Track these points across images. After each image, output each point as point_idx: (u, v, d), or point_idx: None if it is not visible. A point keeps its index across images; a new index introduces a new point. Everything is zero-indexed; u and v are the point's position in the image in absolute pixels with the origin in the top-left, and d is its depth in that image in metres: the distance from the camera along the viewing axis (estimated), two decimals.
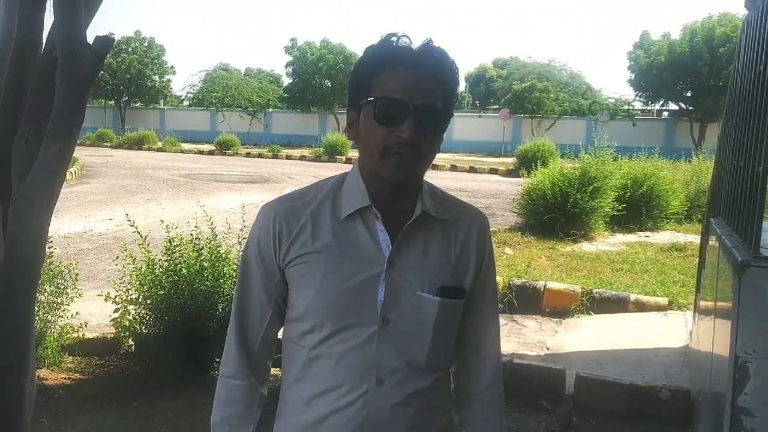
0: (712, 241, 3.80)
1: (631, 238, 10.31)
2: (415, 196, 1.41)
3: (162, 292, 4.49)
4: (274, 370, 1.58)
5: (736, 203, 2.97)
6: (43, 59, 2.22)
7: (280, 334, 1.53)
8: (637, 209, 10.88)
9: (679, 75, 29.54)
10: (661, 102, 33.60)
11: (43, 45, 2.29)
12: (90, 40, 2.07)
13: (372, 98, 1.32)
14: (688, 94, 30.71)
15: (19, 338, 2.09)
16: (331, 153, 27.77)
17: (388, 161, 1.32)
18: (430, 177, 1.39)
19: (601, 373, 4.62)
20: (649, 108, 36.84)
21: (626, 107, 34.39)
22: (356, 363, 1.37)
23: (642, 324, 6.02)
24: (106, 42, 2.05)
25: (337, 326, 1.37)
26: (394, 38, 1.34)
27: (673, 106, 33.96)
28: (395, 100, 1.30)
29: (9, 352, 2.08)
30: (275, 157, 29.44)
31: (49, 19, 2.19)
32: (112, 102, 42.66)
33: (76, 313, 4.83)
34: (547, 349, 5.62)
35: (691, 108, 30.74)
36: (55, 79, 2.04)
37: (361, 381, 1.37)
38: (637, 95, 33.12)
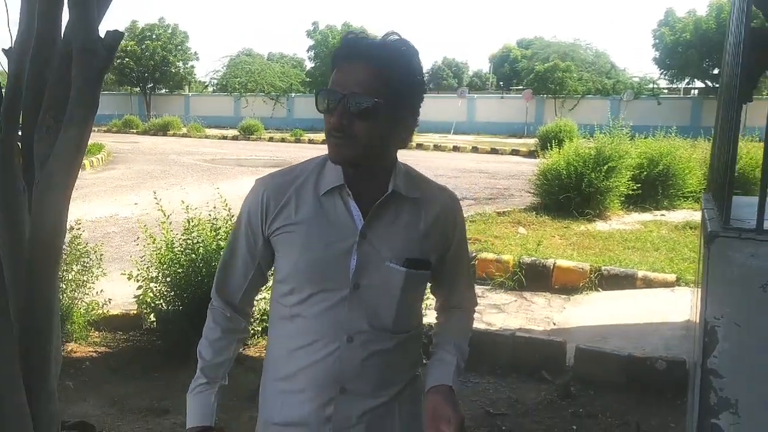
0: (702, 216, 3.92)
1: (646, 216, 10.37)
2: (387, 177, 1.58)
3: (180, 270, 4.70)
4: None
5: (718, 178, 3.09)
6: (61, 52, 2.42)
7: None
8: (653, 188, 10.93)
9: (705, 52, 29.18)
10: (687, 80, 33.17)
11: (61, 38, 2.49)
12: (110, 29, 2.27)
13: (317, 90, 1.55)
14: (715, 72, 30.27)
15: (45, 306, 2.32)
16: None
17: (329, 143, 1.51)
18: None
19: (603, 346, 4.77)
20: (675, 86, 36.38)
21: (651, 86, 33.97)
22: (330, 322, 1.56)
23: (648, 300, 6.15)
24: (116, 36, 2.25)
25: (313, 289, 1.57)
26: (351, 35, 1.50)
27: (699, 84, 33.54)
28: (328, 90, 1.48)
29: (36, 317, 2.30)
30: (298, 141, 29.70)
31: (66, 13, 2.39)
32: (138, 89, 43.16)
33: (101, 291, 5.09)
34: (554, 324, 5.78)
35: (717, 86, 30.30)
36: (71, 70, 2.25)
37: (334, 338, 1.56)
38: (662, 73, 32.77)
